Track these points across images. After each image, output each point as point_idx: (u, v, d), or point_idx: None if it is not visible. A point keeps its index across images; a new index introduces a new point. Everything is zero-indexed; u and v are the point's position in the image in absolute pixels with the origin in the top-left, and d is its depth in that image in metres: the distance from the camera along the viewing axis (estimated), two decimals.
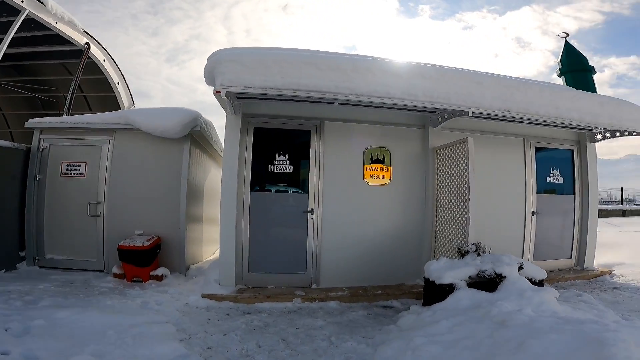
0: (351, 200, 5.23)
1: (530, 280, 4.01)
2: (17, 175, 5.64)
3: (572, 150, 6.22)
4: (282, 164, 5.11)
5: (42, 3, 6.28)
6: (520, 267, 4.00)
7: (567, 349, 2.22)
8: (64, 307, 3.69)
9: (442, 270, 3.97)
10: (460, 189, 4.65)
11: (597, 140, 6.08)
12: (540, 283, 4.14)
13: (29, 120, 5.92)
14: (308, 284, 5.07)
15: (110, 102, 9.13)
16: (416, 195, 5.44)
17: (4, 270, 5.19)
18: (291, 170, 5.13)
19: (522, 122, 5.48)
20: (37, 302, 3.86)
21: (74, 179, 5.79)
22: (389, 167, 5.39)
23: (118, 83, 8.87)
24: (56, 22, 6.77)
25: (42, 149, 5.82)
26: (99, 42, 8.01)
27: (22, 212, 5.63)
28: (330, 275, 5.11)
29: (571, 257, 6.22)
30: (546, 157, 6.11)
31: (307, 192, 5.12)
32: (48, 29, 6.94)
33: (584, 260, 6.13)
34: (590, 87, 6.08)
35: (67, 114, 7.08)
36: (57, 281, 4.91)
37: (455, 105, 4.48)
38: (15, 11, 6.30)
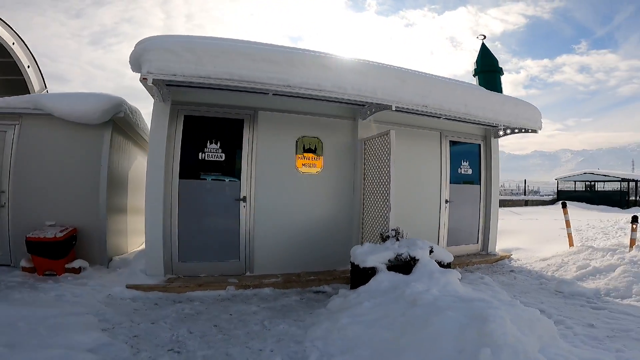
0: (284, 188, 5.41)
1: (439, 263, 4.53)
2: None
3: (480, 145, 7.08)
4: (213, 152, 5.09)
5: None
6: (431, 251, 4.51)
7: (459, 324, 2.60)
8: None
9: (366, 255, 4.34)
10: (384, 178, 5.07)
11: (500, 136, 6.99)
12: (448, 265, 4.69)
13: None
14: (242, 271, 5.17)
15: (19, 86, 8.32)
16: (346, 183, 5.80)
17: None
18: (223, 159, 5.14)
19: (439, 117, 6.09)
20: None
21: None
22: (321, 156, 5.66)
23: (28, 66, 8.18)
24: None
25: None
26: (7, 24, 7.27)
27: None
28: (264, 262, 5.26)
29: (478, 243, 7.07)
30: (458, 150, 6.88)
31: (239, 180, 5.19)
32: None
33: (488, 245, 7.01)
34: (497, 87, 6.95)
35: None
36: None
37: (380, 100, 4.87)
38: None
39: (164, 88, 4.47)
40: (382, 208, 5.10)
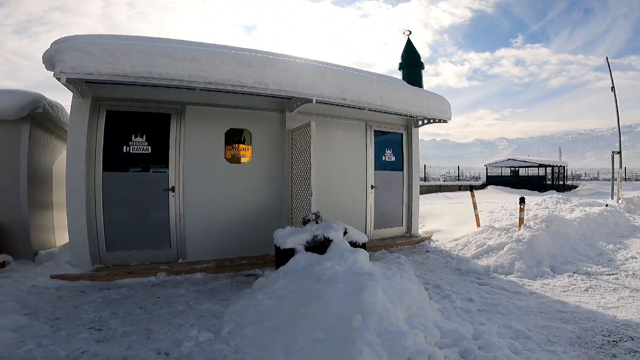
0: (213, 178, 5.74)
1: (354, 243, 5.08)
2: None
3: (402, 134, 7.82)
4: (139, 145, 5.29)
5: None
6: (345, 232, 5.08)
7: (344, 294, 3.10)
8: None
9: (285, 237, 4.83)
10: (308, 166, 5.57)
11: (419, 126, 7.76)
12: (363, 246, 5.22)
13: None
14: (174, 258, 5.47)
15: None
16: (276, 172, 6.24)
17: None
18: (150, 151, 5.36)
19: (363, 109, 6.66)
20: None
21: None
22: (250, 147, 6.05)
23: None
24: None
25: None
26: None
27: None
28: (196, 249, 5.59)
29: (402, 226, 7.82)
30: (383, 139, 7.57)
31: (167, 171, 5.44)
32: None
33: (411, 228, 7.80)
34: (419, 80, 7.71)
35: None
36: None
37: (301, 94, 5.32)
38: None
39: (83, 85, 4.61)
40: (307, 194, 5.61)
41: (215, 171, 5.77)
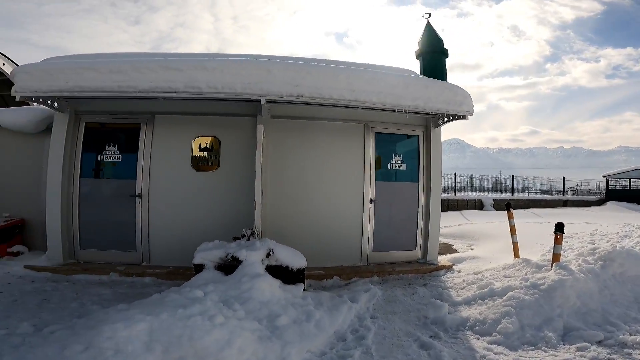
0: (179, 187, 6.07)
1: (286, 268, 4.68)
2: None
3: (418, 137, 6.60)
4: (111, 154, 6.05)
5: None
6: (269, 254, 4.65)
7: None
8: None
9: (199, 252, 4.76)
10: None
11: (440, 125, 6.37)
12: (298, 271, 4.73)
13: None
14: (139, 261, 6.03)
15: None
16: (246, 180, 6.16)
17: None
18: (120, 159, 6.07)
19: (356, 107, 5.83)
20: None
21: None
22: (218, 155, 6.17)
23: None
24: None
25: None
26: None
27: None
28: (160, 254, 6.03)
29: (415, 249, 6.59)
30: (388, 143, 6.58)
31: (135, 179, 6.05)
32: None
33: (427, 252, 6.48)
34: (441, 69, 6.40)
35: None
36: None
37: (242, 94, 5.11)
38: None
39: (60, 101, 5.59)
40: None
41: (181, 180, 6.09)
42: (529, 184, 26.57)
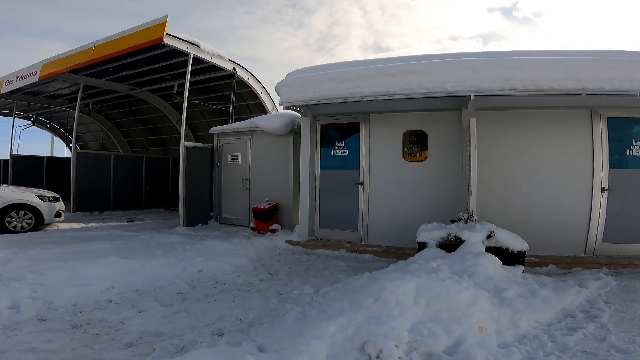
0: (392, 175, 7.06)
1: (505, 249, 5.06)
2: (207, 164, 10.22)
3: None
4: (340, 149, 7.50)
5: (197, 46, 10.15)
6: (489, 236, 5.07)
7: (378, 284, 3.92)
8: (215, 239, 7.55)
9: (421, 231, 5.56)
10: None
11: None
12: (518, 254, 5.05)
13: (211, 128, 10.46)
14: (359, 240, 7.32)
15: (259, 107, 13.26)
16: (451, 170, 6.68)
17: (202, 223, 9.81)
18: (347, 153, 7.44)
19: (579, 95, 5.55)
20: (204, 240, 7.86)
21: (235, 165, 9.91)
22: (426, 147, 6.87)
23: (262, 93, 12.77)
24: (211, 57, 10.46)
25: (219, 146, 10.22)
26: (241, 66, 11.74)
27: (211, 187, 10.24)
28: (376, 234, 7.17)
29: None
30: (626, 127, 5.98)
31: (357, 169, 7.34)
32: (206, 62, 10.44)
33: None
34: None
35: (232, 121, 11.31)
36: (223, 231, 9.03)
37: (452, 92, 5.69)
38: (184, 55, 9.83)
39: (306, 107, 7.25)
40: (468, 193, 5.85)
41: (393, 169, 7.05)
42: None
